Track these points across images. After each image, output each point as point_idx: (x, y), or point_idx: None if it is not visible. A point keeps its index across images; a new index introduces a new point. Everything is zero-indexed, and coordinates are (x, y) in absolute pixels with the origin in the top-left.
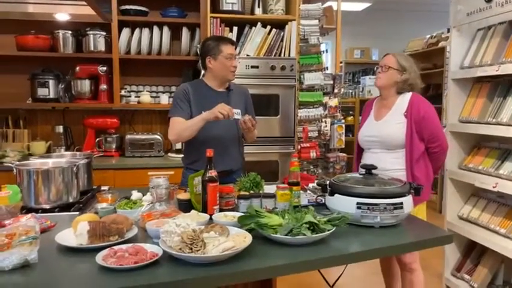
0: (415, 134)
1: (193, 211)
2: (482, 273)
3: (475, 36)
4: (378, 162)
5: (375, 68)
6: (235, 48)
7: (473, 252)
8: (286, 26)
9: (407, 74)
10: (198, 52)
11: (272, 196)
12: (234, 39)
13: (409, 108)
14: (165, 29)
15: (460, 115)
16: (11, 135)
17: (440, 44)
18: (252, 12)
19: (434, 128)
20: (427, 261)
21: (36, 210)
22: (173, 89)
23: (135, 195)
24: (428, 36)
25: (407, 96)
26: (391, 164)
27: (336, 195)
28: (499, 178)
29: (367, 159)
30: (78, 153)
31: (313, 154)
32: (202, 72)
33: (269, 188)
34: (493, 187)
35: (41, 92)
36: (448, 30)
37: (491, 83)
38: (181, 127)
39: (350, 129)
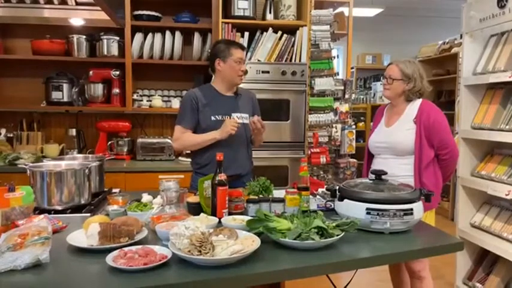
0: (424, 140)
1: (202, 214)
2: (495, 282)
3: (487, 42)
4: (387, 168)
5: (381, 78)
6: (244, 54)
7: (486, 261)
8: (298, 32)
9: (413, 82)
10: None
11: (281, 200)
12: (245, 44)
13: (419, 115)
14: (177, 34)
15: (473, 122)
16: (25, 137)
17: (453, 50)
18: (264, 18)
19: (444, 135)
20: (438, 270)
21: (49, 211)
22: (184, 93)
23: (146, 198)
24: (441, 42)
25: (417, 102)
26: (400, 170)
27: (346, 200)
28: None
29: (377, 165)
30: (90, 155)
31: (323, 159)
32: (214, 77)
33: (278, 193)
34: (506, 195)
35: (55, 95)
36: (461, 36)
37: (505, 90)
38: (189, 141)
39: (361, 135)
